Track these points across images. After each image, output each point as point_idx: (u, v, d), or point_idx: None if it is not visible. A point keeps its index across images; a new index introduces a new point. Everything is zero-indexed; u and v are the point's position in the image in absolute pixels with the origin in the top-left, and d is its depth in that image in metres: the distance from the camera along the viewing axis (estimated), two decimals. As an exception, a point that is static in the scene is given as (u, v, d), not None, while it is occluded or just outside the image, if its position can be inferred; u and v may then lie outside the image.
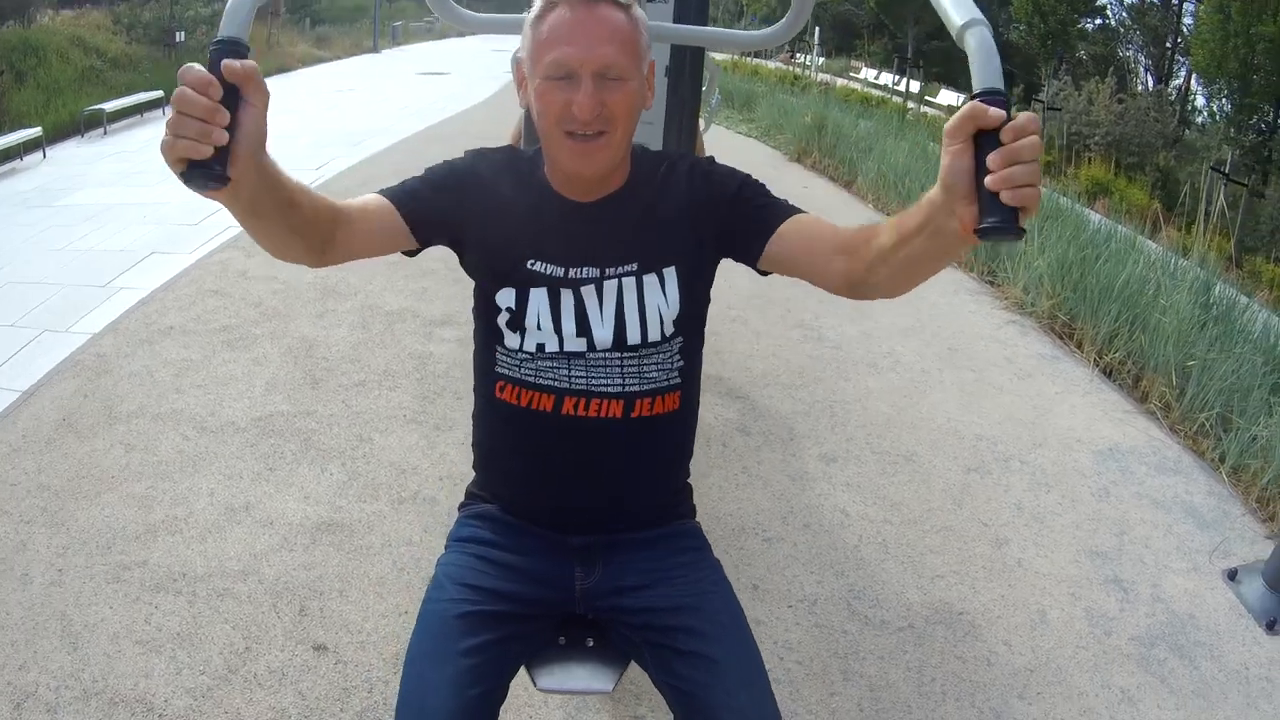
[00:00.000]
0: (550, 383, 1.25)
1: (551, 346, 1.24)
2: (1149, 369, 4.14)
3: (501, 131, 9.12)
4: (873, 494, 2.91)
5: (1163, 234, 8.15)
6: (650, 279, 1.26)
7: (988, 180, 0.85)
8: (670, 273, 1.26)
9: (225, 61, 0.82)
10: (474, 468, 1.44)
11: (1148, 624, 2.56)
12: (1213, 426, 3.70)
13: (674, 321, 1.27)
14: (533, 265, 1.25)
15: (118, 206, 5.75)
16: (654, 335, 1.25)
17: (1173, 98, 23.00)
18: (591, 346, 1.24)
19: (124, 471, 2.51)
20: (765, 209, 1.28)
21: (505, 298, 1.25)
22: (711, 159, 1.36)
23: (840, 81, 25.15)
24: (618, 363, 1.25)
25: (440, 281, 4.19)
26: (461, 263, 1.32)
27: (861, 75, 28.62)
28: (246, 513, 2.39)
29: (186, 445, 2.66)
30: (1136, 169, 13.86)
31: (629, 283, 1.25)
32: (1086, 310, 4.65)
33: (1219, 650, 2.52)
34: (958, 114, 0.88)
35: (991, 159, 0.85)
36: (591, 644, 1.37)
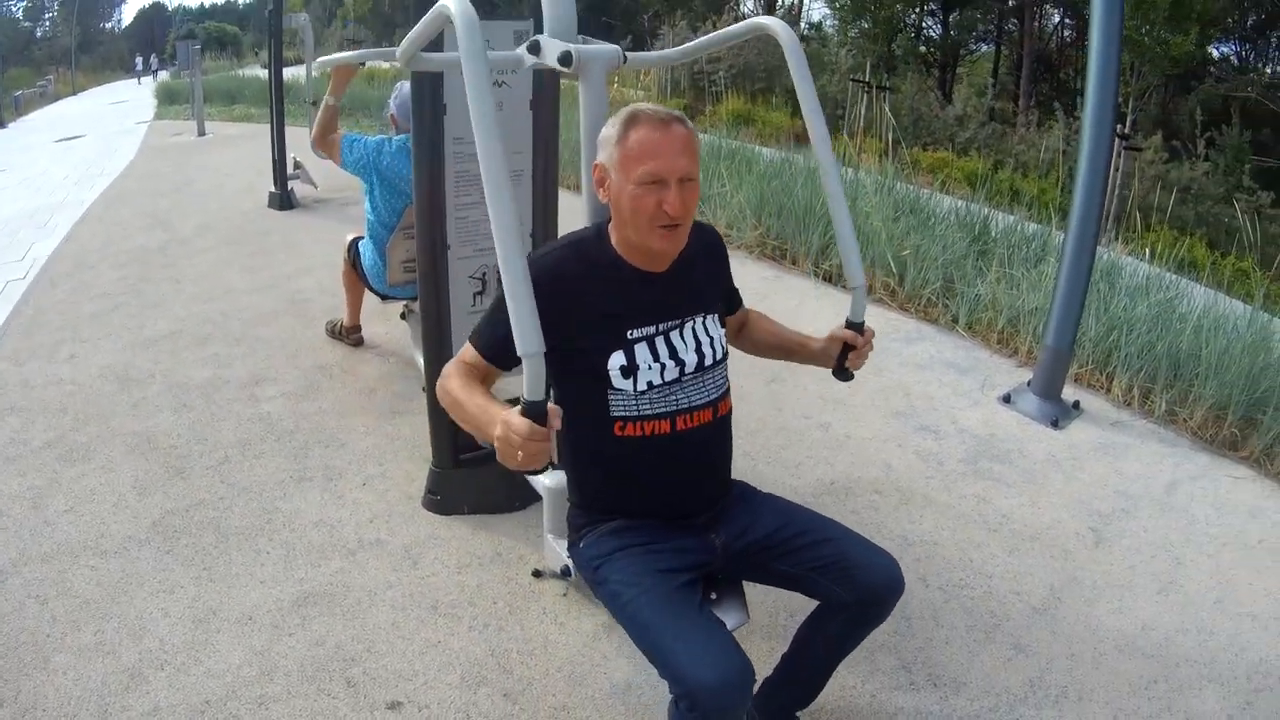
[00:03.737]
0: (664, 409, 1.63)
1: (657, 380, 1.62)
2: (866, 266, 4.96)
3: (175, 183, 8.42)
4: (711, 418, 3.36)
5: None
6: (710, 318, 1.71)
7: (847, 362, 1.82)
8: (715, 314, 1.74)
9: (554, 414, 1.33)
10: (586, 500, 1.77)
11: (964, 449, 3.29)
12: (938, 298, 4.58)
13: (723, 344, 1.73)
14: (633, 333, 1.62)
15: None
16: (719, 355, 1.71)
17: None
18: (684, 371, 1.64)
19: (55, 625, 2.23)
20: (730, 297, 1.92)
21: (617, 359, 1.60)
22: (716, 233, 1.85)
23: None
24: (700, 380, 1.67)
25: (224, 344, 3.99)
26: (557, 349, 1.56)
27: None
28: (217, 617, 2.26)
29: (101, 575, 2.41)
30: (767, 93, 15.23)
31: (699, 320, 1.69)
32: (795, 231, 5.41)
33: (1026, 450, 3.30)
34: (844, 334, 1.80)
35: (851, 359, 1.81)
36: (715, 596, 1.75)
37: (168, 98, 17.09)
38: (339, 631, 2.23)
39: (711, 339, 1.70)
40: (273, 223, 6.20)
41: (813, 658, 1.79)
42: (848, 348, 1.80)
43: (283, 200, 6.57)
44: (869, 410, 3.56)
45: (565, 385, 1.69)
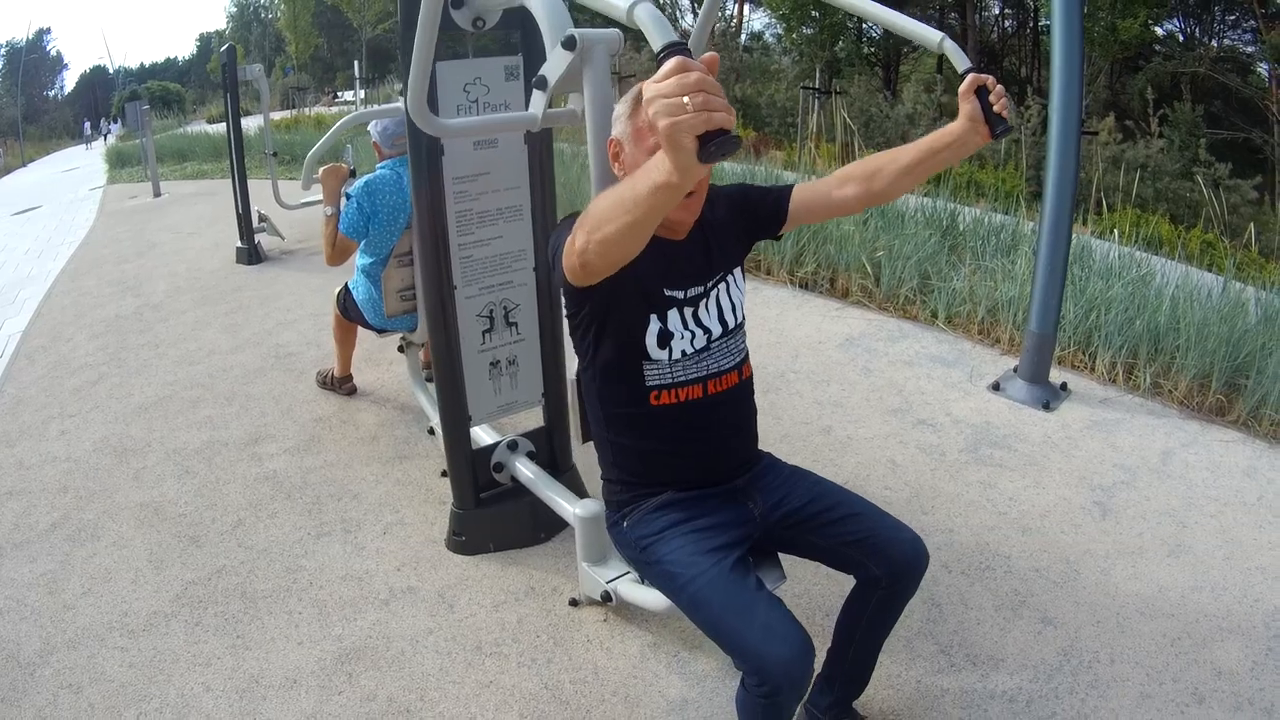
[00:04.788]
0: (696, 375, 1.72)
1: (689, 349, 1.70)
2: (841, 270, 5.07)
3: (138, 247, 8.35)
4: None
5: (769, 156, 9.43)
6: (730, 279, 1.77)
7: (995, 107, 1.60)
8: (736, 270, 1.80)
9: (708, 55, 1.05)
10: (625, 479, 1.82)
11: (963, 439, 3.37)
12: (916, 295, 4.68)
13: (743, 305, 1.80)
14: (669, 292, 1.68)
15: None
16: (740, 318, 1.79)
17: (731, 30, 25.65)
18: (711, 339, 1.72)
19: (93, 713, 2.18)
20: (768, 197, 1.85)
21: (655, 323, 1.67)
22: (715, 187, 1.84)
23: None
24: (725, 345, 1.75)
25: (215, 405, 3.95)
26: (592, 306, 1.65)
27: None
28: (261, 685, 2.24)
29: (132, 656, 2.37)
30: (714, 105, 15.38)
31: (721, 287, 1.76)
32: (765, 241, 5.50)
33: (1022, 434, 3.39)
34: (966, 83, 1.62)
35: (993, 98, 1.60)
36: (752, 560, 1.80)
37: (119, 161, 16.89)
38: (388, 684, 2.23)
39: (734, 304, 1.78)
40: (244, 278, 6.15)
41: (856, 644, 1.86)
42: (982, 99, 1.62)
43: (251, 255, 6.53)
44: (866, 410, 3.63)
45: (601, 363, 1.73)
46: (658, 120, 0.97)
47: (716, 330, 1.73)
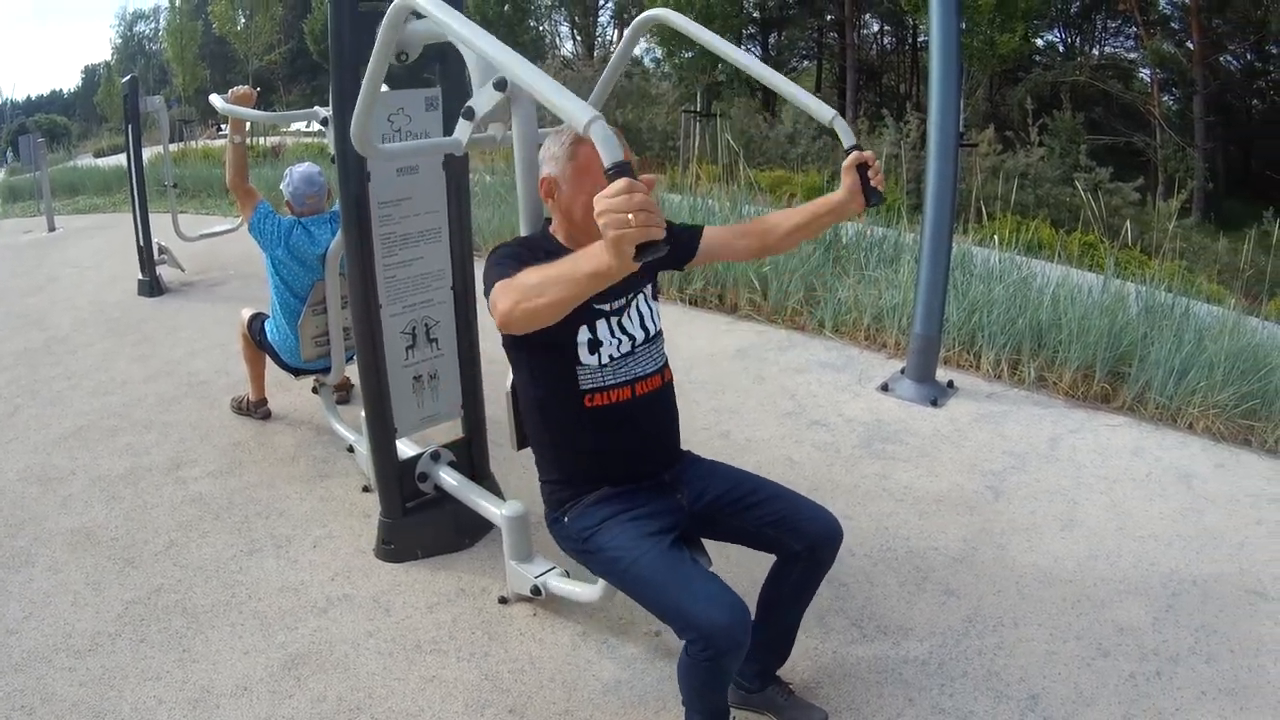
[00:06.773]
0: (625, 378, 1.92)
1: (615, 353, 1.90)
2: (730, 286, 5.35)
3: (38, 281, 8.27)
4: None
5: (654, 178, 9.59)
6: (647, 293, 1.99)
7: (872, 182, 1.91)
8: (648, 287, 2.01)
9: (645, 179, 1.24)
10: (563, 478, 2.00)
11: (856, 436, 3.65)
12: (803, 306, 4.99)
13: (658, 317, 2.02)
14: (597, 305, 1.87)
15: None
16: (658, 326, 2.00)
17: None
18: (635, 344, 1.93)
19: None
20: (683, 234, 2.09)
21: (584, 333, 1.87)
22: None
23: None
24: (648, 351, 1.97)
25: (134, 433, 3.95)
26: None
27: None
28: (212, 695, 2.30)
29: (81, 675, 2.39)
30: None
31: (640, 299, 1.97)
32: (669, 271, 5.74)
33: (913, 429, 3.68)
34: (850, 159, 1.92)
35: (872, 173, 1.91)
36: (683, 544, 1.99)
37: (10, 195, 16.34)
38: (336, 685, 2.33)
39: (651, 311, 1.99)
40: (148, 310, 6.10)
41: (779, 613, 2.08)
42: (863, 173, 1.91)
43: (152, 287, 6.47)
44: (761, 415, 3.88)
45: (536, 371, 1.93)
46: (606, 231, 1.19)
47: (640, 336, 1.94)
